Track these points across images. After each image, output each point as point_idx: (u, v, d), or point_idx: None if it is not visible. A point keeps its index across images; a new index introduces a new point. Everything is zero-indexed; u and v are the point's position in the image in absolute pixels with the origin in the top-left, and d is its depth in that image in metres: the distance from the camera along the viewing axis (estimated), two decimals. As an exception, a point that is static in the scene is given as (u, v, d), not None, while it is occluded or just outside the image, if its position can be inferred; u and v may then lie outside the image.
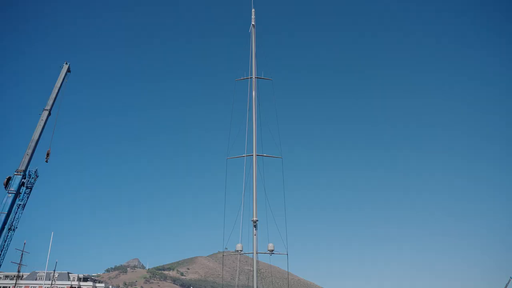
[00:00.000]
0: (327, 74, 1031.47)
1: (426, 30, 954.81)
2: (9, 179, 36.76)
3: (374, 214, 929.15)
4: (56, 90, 42.63)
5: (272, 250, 35.58)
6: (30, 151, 38.33)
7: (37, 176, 38.32)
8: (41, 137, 39.85)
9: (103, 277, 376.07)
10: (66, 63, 49.88)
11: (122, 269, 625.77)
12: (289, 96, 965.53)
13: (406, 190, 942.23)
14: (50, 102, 41.81)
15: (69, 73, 49.52)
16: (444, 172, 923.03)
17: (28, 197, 37.52)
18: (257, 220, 35.16)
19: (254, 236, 35.11)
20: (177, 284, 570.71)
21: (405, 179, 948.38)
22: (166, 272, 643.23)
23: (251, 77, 39.43)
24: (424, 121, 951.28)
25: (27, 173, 37.52)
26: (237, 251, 35.85)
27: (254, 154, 36.98)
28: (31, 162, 38.30)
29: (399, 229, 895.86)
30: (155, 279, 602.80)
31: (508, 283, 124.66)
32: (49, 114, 41.35)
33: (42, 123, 40.63)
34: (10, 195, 36.12)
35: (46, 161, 39.99)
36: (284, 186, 40.61)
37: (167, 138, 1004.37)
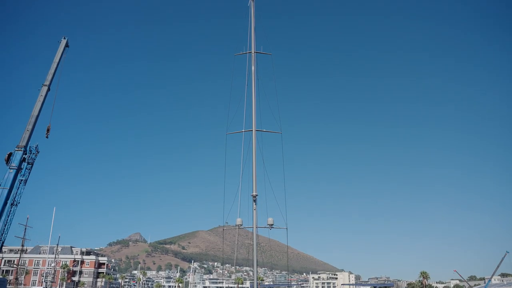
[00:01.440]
0: (327, 50, 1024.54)
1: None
2: (10, 155, 36.93)
3: (373, 188, 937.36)
4: (55, 65, 42.31)
5: (272, 225, 36.13)
6: (30, 127, 38.38)
7: (38, 152, 38.48)
8: (41, 113, 39.84)
9: (105, 251, 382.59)
10: (64, 38, 49.35)
11: (124, 243, 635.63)
12: (289, 72, 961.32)
13: (405, 163, 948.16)
14: (49, 77, 41.59)
15: (67, 48, 49.02)
16: (443, 147, 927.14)
17: (29, 173, 37.78)
18: (256, 195, 35.56)
19: (254, 211, 35.60)
20: (178, 258, 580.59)
21: (405, 152, 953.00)
22: (167, 246, 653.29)
23: (250, 52, 39.16)
24: (425, 96, 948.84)
25: (28, 149, 37.65)
26: (237, 225, 36.41)
27: (253, 129, 37.08)
28: (31, 138, 38.39)
29: (399, 201, 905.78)
30: (156, 252, 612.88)
31: (504, 257, 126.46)
32: (48, 89, 41.19)
33: (41, 98, 40.52)
34: (11, 170, 36.35)
35: (47, 137, 40.12)
36: (284, 161, 40.90)
37: (167, 114, 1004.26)
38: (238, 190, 35.27)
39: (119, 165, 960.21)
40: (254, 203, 35.63)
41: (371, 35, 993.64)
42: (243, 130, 37.30)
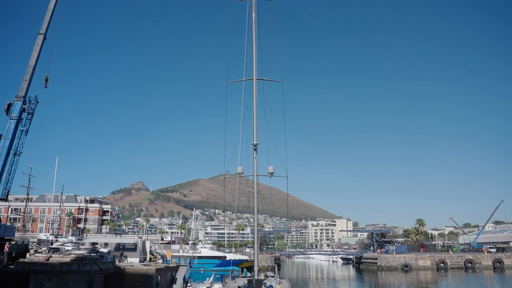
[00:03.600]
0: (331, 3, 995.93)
1: None
2: (9, 105, 36.69)
3: (372, 137, 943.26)
4: (50, 13, 41.01)
5: (272, 173, 36.57)
6: (28, 77, 37.85)
7: (38, 102, 38.19)
8: (39, 63, 39.13)
9: (108, 199, 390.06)
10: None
11: (127, 191, 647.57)
12: (290, 20, 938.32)
13: (403, 112, 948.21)
14: (44, 25, 40.49)
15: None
16: (441, 95, 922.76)
17: (30, 123, 37.71)
18: (257, 144, 35.73)
19: (255, 159, 35.92)
20: (180, 205, 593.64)
21: (403, 101, 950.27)
22: (169, 194, 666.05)
23: (251, -3, 37.93)
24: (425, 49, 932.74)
25: (27, 99, 37.32)
26: (238, 173, 36.86)
27: (254, 78, 36.67)
28: (30, 88, 37.95)
29: (396, 150, 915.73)
30: (159, 200, 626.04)
31: (498, 205, 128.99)
32: (44, 38, 40.21)
33: (37, 47, 39.63)
34: (12, 121, 36.22)
35: (45, 87, 39.59)
36: (284, 110, 40.76)
37: (168, 64, 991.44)
38: (239, 139, 35.41)
39: (120, 114, 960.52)
40: (255, 151, 35.87)
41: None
42: (244, 79, 36.91)
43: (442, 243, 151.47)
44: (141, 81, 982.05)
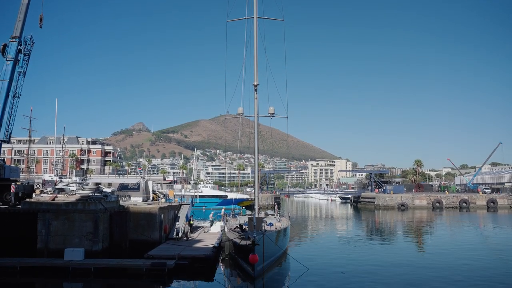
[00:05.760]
0: None
1: None
2: (5, 46, 35.96)
3: (371, 78, 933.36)
4: None
5: (273, 114, 36.57)
6: (22, 16, 36.74)
7: (33, 43, 37.35)
8: (33, 2, 37.75)
9: (110, 141, 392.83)
10: None
11: (128, 132, 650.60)
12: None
13: (403, 53, 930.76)
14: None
15: None
16: (440, 38, 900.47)
17: (27, 64, 37.14)
18: (258, 84, 35.42)
19: (255, 100, 35.77)
20: (181, 146, 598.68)
21: (403, 45, 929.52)
22: (170, 134, 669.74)
23: None
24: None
25: (22, 39, 36.50)
26: (239, 114, 36.85)
27: (255, 16, 35.72)
28: (25, 29, 36.97)
29: (395, 91, 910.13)
30: (160, 141, 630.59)
31: (496, 147, 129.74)
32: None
33: (29, -16, 38.17)
34: (8, 62, 35.68)
35: (40, 27, 38.58)
36: (285, 50, 40.02)
37: (167, 4, 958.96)
38: (239, 79, 35.08)
39: (119, 54, 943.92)
40: (256, 92, 35.65)
41: None
42: (245, 17, 35.94)
43: (439, 184, 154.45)
44: (141, 23, 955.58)
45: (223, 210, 49.77)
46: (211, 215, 49.05)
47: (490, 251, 36.96)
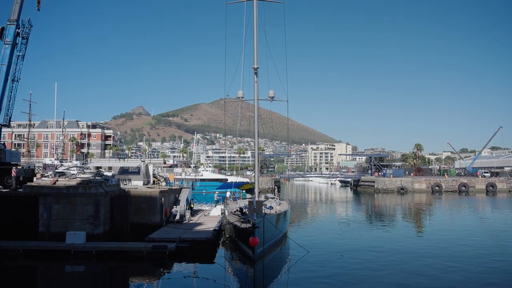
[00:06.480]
0: None
1: None
2: (2, 29, 35.59)
3: (372, 62, 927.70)
4: None
5: (273, 97, 36.42)
6: (19, -2, 36.32)
7: (31, 26, 36.97)
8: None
9: (110, 124, 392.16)
10: None
11: (128, 116, 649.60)
12: None
13: (404, 39, 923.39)
14: None
15: None
16: (441, 22, 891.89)
17: (25, 48, 36.83)
18: (257, 68, 35.20)
19: (255, 83, 35.59)
20: (181, 130, 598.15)
21: (403, 31, 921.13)
22: (170, 118, 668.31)
23: None
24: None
25: (20, 22, 36.12)
26: (239, 98, 36.70)
27: (254, -2, 35.27)
28: (23, 12, 36.54)
29: (396, 74, 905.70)
30: (160, 125, 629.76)
31: (497, 131, 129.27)
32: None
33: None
34: (7, 46, 35.36)
35: (38, 9, 38.16)
36: (286, 33, 39.70)
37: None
38: (239, 62, 34.82)
39: (119, 38, 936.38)
40: (256, 75, 35.44)
41: None
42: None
43: (438, 168, 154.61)
44: (141, 7, 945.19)
45: (228, 192, 50.07)
46: (215, 195, 49.68)
47: (488, 235, 37.26)
